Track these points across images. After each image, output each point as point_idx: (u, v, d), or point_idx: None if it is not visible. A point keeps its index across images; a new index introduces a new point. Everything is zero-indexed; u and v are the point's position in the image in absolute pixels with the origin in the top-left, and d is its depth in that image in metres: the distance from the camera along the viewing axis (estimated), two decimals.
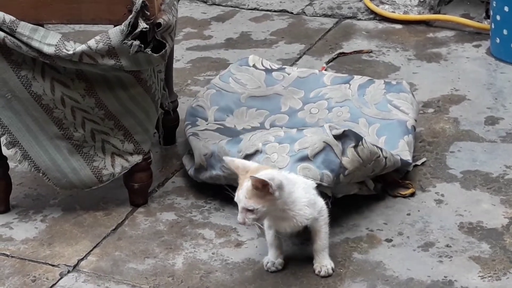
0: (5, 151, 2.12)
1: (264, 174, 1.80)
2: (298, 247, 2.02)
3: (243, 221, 1.80)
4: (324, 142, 2.01)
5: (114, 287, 1.89)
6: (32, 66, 1.99)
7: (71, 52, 1.94)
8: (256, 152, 2.05)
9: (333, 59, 2.98)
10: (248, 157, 2.04)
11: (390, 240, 2.03)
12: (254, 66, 2.56)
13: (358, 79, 2.49)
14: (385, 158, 2.11)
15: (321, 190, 1.97)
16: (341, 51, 3.04)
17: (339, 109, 2.38)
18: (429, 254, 1.97)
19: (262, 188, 1.78)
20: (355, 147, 2.03)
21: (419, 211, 2.14)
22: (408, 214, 2.12)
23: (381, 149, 2.11)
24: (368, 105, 2.38)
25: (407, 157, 2.21)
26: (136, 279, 1.92)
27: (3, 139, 2.07)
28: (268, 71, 2.55)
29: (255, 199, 1.79)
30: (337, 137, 2.02)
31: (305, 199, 1.87)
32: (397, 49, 3.06)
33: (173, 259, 1.98)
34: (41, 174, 2.09)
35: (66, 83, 2.02)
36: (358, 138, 2.05)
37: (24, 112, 2.04)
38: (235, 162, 1.87)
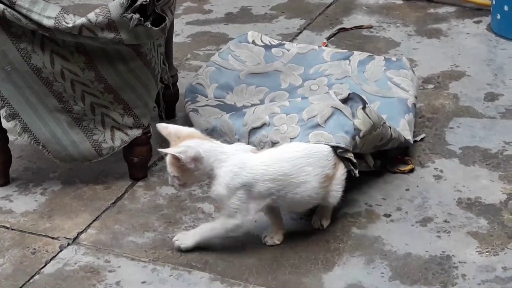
0: (5, 124, 2.12)
1: (181, 146, 1.82)
2: (297, 221, 2.03)
3: (172, 184, 1.88)
4: (332, 107, 2.01)
5: (113, 260, 1.90)
6: (31, 39, 1.99)
7: (70, 25, 1.93)
8: (264, 125, 2.05)
9: (334, 34, 2.97)
10: (255, 130, 2.04)
11: (389, 215, 2.04)
12: (253, 42, 2.55)
13: (358, 55, 2.48)
14: (390, 127, 2.12)
15: (342, 155, 1.96)
16: (341, 26, 3.03)
17: (339, 86, 2.38)
18: (427, 229, 1.98)
19: (177, 160, 1.81)
20: (363, 108, 2.03)
21: (417, 186, 2.14)
22: (407, 190, 2.13)
23: (384, 120, 2.12)
24: (368, 82, 2.38)
25: (408, 136, 2.21)
26: (135, 252, 1.93)
27: (2, 111, 2.07)
28: (268, 47, 2.54)
29: (175, 168, 1.84)
30: (343, 101, 2.02)
31: (226, 178, 1.83)
32: (398, 24, 3.05)
33: (173, 233, 1.99)
34: (40, 147, 2.10)
35: (66, 56, 2.02)
36: (363, 101, 2.05)
37: (23, 85, 2.03)
38: (168, 128, 1.89)
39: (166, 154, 1.85)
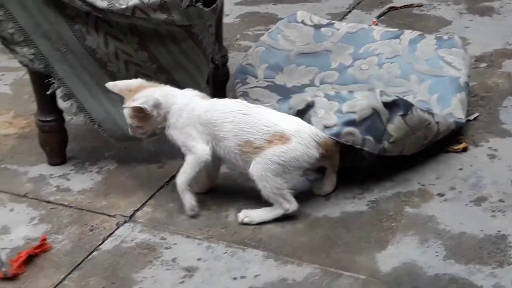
0: (61, 104, 2.16)
1: (138, 98, 1.93)
2: (350, 200, 2.03)
3: (133, 134, 1.98)
4: (373, 108, 2.00)
5: (169, 237, 1.93)
6: (85, 20, 2.02)
7: (123, 6, 1.95)
8: (308, 107, 2.05)
9: (384, 13, 2.95)
10: (299, 113, 2.05)
11: (442, 195, 2.03)
12: (302, 22, 2.54)
13: (408, 34, 2.46)
14: (437, 123, 2.10)
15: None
16: (391, 5, 3.01)
17: (389, 65, 2.37)
18: (482, 209, 1.97)
19: (140, 111, 1.92)
20: (404, 115, 2.02)
21: (471, 166, 2.13)
22: (461, 169, 2.12)
23: (432, 115, 2.10)
24: (419, 61, 2.36)
25: (460, 115, 2.19)
26: (190, 230, 1.95)
27: (58, 91, 2.10)
28: (317, 26, 2.53)
29: (137, 120, 1.95)
30: (386, 105, 2.01)
31: (172, 119, 1.96)
32: (449, 2, 3.01)
33: (226, 211, 2.01)
34: (96, 126, 2.13)
35: (119, 37, 2.04)
36: (407, 107, 2.04)
37: (78, 65, 2.07)
38: (117, 85, 1.98)
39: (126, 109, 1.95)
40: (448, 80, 2.29)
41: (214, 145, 1.95)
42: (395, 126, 2.02)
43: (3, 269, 1.82)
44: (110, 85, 1.98)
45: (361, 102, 2.01)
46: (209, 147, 1.94)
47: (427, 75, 2.31)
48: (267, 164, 1.90)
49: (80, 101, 2.10)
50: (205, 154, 1.94)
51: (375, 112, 2.00)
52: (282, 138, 1.89)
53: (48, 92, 2.10)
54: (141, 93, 1.95)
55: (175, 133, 1.96)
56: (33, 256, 1.87)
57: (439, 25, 2.86)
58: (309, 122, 2.01)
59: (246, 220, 1.95)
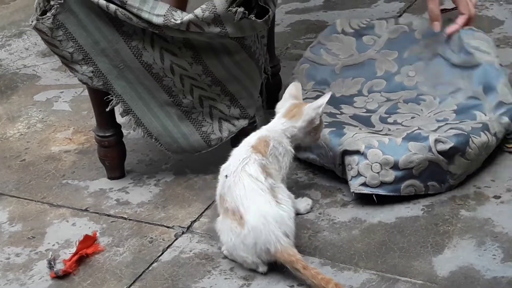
0: (119, 119, 2.22)
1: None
2: (404, 205, 2.03)
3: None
4: (429, 161, 2.01)
5: None
6: (142, 37, 2.07)
7: (178, 21, 2.00)
8: (357, 152, 2.04)
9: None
10: (347, 153, 2.05)
11: (499, 197, 2.02)
12: (342, 31, 2.52)
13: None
14: (494, 135, 2.09)
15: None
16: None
17: (433, 67, 2.34)
18: None
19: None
20: (463, 154, 2.03)
21: None
22: None
23: (488, 129, 2.08)
24: (454, 55, 2.31)
25: (510, 100, 2.16)
26: None
27: (117, 108, 2.16)
28: (358, 34, 2.49)
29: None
30: (442, 153, 2.01)
31: None
32: (501, 2, 2.99)
33: None
34: (153, 140, 2.19)
35: (174, 52, 2.09)
36: (465, 145, 2.03)
37: (136, 81, 2.12)
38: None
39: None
40: (486, 67, 2.24)
41: None
42: (456, 165, 2.03)
43: (55, 269, 1.89)
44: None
45: (417, 156, 2.00)
46: None
47: (466, 68, 2.27)
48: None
49: (138, 116, 2.16)
50: None
51: (432, 163, 2.01)
52: (240, 219, 1.82)
53: (108, 109, 2.16)
54: (307, 107, 1.96)
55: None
56: (85, 257, 1.94)
57: (491, 26, 2.83)
58: (359, 170, 2.02)
59: (224, 252, 1.91)
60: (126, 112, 2.15)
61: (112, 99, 2.14)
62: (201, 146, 2.20)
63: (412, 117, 2.24)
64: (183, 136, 2.18)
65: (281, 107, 2.00)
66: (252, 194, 1.81)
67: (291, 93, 2.02)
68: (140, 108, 2.15)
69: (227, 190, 1.84)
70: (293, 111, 1.97)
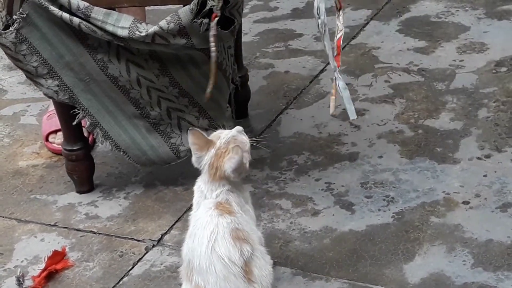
0: (86, 133, 2.20)
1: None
2: (375, 213, 2.04)
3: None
4: None
5: None
6: (107, 49, 2.06)
7: (144, 33, 1.99)
8: None
9: None
10: None
11: (468, 203, 2.03)
12: None
13: None
14: None
15: None
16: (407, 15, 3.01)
17: None
18: (508, 215, 1.97)
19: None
20: None
21: (495, 172, 2.13)
22: (485, 176, 2.12)
23: None
24: None
25: None
26: None
27: (84, 122, 2.14)
28: None
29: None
30: None
31: None
32: (466, 8, 3.01)
33: None
34: (121, 153, 2.17)
35: (141, 64, 2.08)
36: None
37: (102, 94, 2.11)
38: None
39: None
40: None
41: None
42: None
43: (24, 286, 1.87)
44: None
45: None
46: None
47: None
48: None
49: (105, 129, 2.14)
50: None
51: None
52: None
53: (74, 123, 2.14)
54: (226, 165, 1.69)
55: None
56: (54, 272, 1.92)
57: (457, 32, 2.86)
58: None
59: None
60: (93, 125, 2.14)
61: (79, 113, 2.12)
62: (170, 158, 2.19)
63: None
64: (151, 148, 2.17)
65: (196, 162, 1.78)
66: (225, 283, 1.64)
67: (193, 143, 1.76)
68: (107, 121, 2.14)
69: (199, 271, 1.65)
70: (213, 169, 1.74)
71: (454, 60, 2.70)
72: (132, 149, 2.17)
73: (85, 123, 2.17)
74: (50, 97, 2.12)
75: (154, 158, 2.18)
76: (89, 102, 2.11)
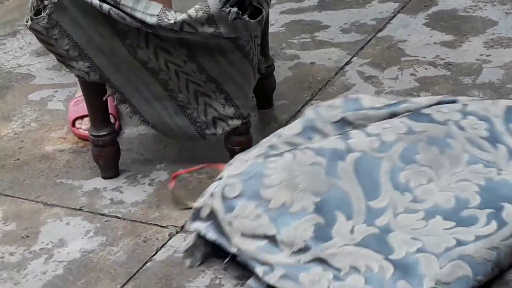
0: (113, 119, 2.22)
1: None
2: None
3: None
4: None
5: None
6: (136, 35, 2.08)
7: (172, 21, 2.00)
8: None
9: None
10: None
11: None
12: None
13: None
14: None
15: None
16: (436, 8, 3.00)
17: (475, 120, 1.95)
18: None
19: None
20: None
21: None
22: None
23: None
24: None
25: None
26: None
27: (114, 98, 2.17)
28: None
29: None
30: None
31: None
32: (494, 3, 3.00)
33: None
34: (150, 126, 2.20)
35: (169, 50, 2.09)
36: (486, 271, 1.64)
37: (132, 74, 2.14)
38: None
39: None
40: None
41: None
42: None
43: None
44: None
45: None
46: None
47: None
48: None
49: (134, 105, 2.17)
50: None
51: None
52: None
53: (104, 98, 2.17)
54: None
55: None
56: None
57: (485, 27, 2.84)
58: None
59: None
60: (123, 101, 2.17)
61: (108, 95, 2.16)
62: (196, 137, 2.22)
63: (429, 181, 1.78)
64: (178, 128, 2.20)
65: None
66: None
67: None
68: (137, 99, 2.17)
69: None
70: None
71: (481, 55, 2.69)
72: (159, 125, 2.20)
73: (113, 109, 2.19)
74: (81, 78, 2.15)
75: (180, 134, 2.22)
76: (119, 82, 2.14)
